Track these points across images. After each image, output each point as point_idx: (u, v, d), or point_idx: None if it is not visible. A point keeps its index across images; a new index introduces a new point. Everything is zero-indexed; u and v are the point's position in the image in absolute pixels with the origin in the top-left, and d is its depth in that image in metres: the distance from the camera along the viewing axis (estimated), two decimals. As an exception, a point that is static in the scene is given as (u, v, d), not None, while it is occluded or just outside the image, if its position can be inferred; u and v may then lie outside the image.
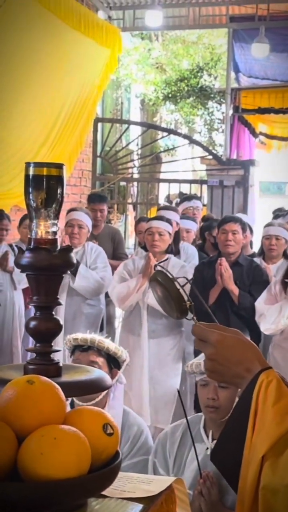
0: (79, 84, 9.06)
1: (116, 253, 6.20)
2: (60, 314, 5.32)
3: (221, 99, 11.97)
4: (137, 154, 11.26)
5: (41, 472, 1.02)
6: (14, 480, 1.06)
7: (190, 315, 1.36)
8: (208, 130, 13.22)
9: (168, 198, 10.62)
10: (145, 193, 10.98)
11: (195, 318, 1.35)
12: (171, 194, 10.74)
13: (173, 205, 7.55)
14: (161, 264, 1.22)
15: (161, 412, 4.81)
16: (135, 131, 12.02)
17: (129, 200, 11.05)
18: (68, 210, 5.81)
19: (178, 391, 3.11)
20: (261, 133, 12.35)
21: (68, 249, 1.30)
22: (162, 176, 11.77)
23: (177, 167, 11.62)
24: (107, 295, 5.40)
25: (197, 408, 2.99)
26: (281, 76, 10.71)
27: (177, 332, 4.99)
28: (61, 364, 1.31)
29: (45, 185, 1.28)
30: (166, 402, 4.80)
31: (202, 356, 3.00)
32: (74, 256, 5.02)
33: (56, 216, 1.30)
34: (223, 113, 12.29)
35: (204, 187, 10.14)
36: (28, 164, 1.29)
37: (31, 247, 1.28)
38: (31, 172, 1.29)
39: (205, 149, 10.34)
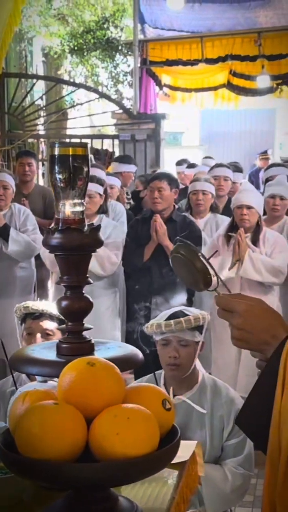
0: (-16, 38, 8.72)
1: (47, 212, 6.13)
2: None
3: (129, 52, 11.84)
4: (43, 110, 11.02)
5: (119, 451, 1.05)
6: (83, 460, 1.09)
7: (212, 287, 1.40)
8: (114, 84, 13.07)
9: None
10: (55, 149, 10.79)
11: (217, 289, 1.39)
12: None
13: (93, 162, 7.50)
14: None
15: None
16: (39, 86, 11.72)
17: (39, 157, 10.85)
18: (-11, 172, 5.68)
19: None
20: (165, 85, 12.35)
21: (97, 228, 1.30)
22: (71, 132, 11.60)
23: (84, 123, 11.47)
24: (37, 257, 5.36)
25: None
26: (187, 27, 10.68)
27: (111, 292, 5.06)
28: (93, 341, 1.33)
29: (71, 165, 1.27)
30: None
31: (160, 317, 3.05)
32: (3, 218, 4.83)
33: (83, 196, 1.30)
34: (129, 65, 12.16)
35: (116, 142, 10.10)
36: (53, 144, 1.28)
37: (60, 228, 1.28)
38: (56, 152, 1.28)
39: (116, 103, 10.26)
